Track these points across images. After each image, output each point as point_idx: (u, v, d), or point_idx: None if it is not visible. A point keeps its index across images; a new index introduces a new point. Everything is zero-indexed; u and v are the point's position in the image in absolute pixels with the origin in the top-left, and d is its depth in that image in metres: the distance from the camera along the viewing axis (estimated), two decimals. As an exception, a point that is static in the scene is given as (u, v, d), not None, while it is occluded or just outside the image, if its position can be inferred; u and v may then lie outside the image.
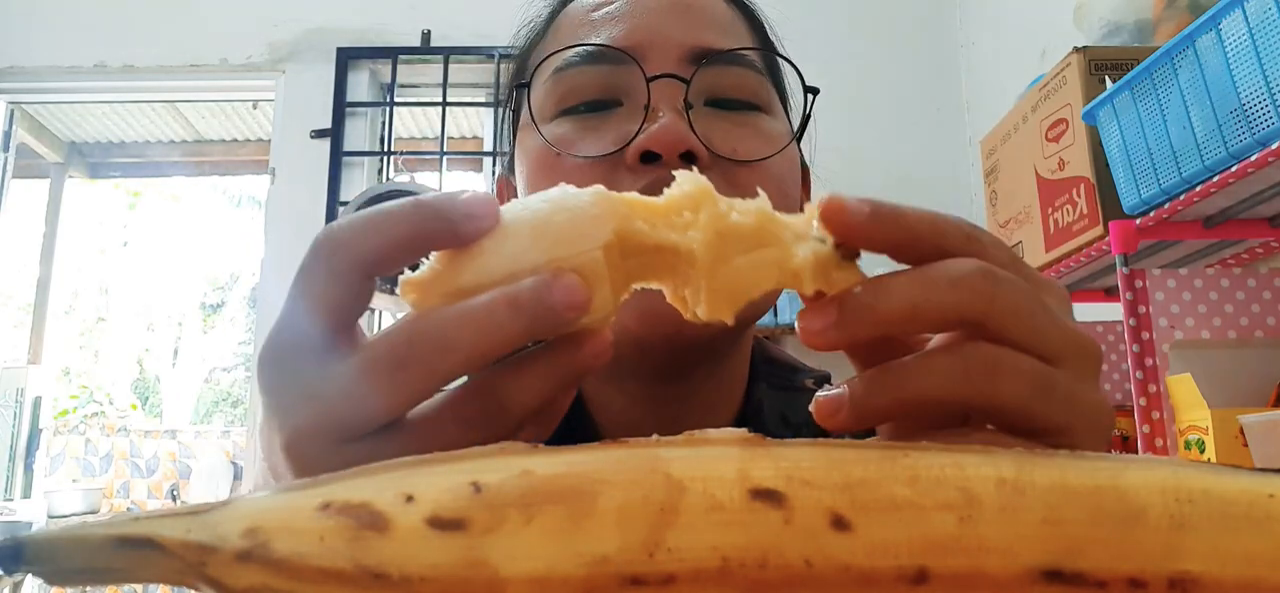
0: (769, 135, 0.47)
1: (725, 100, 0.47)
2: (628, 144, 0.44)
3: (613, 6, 0.48)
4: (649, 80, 0.44)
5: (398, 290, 0.26)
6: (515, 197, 0.51)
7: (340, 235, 0.26)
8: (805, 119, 0.51)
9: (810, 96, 0.50)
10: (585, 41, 0.47)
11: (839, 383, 0.26)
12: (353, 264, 0.25)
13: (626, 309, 0.40)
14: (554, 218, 0.25)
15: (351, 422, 0.25)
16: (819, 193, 0.26)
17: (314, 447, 0.25)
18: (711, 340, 0.45)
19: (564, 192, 0.26)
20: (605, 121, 0.46)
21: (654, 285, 0.28)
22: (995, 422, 0.25)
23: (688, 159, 0.43)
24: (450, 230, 0.25)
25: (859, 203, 0.25)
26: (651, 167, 0.43)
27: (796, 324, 0.25)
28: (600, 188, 0.26)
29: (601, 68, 0.46)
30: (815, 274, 0.25)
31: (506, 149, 0.57)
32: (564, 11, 0.52)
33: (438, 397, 0.26)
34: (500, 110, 0.57)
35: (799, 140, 0.51)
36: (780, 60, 0.52)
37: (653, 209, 0.26)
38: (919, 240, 0.25)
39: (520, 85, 0.50)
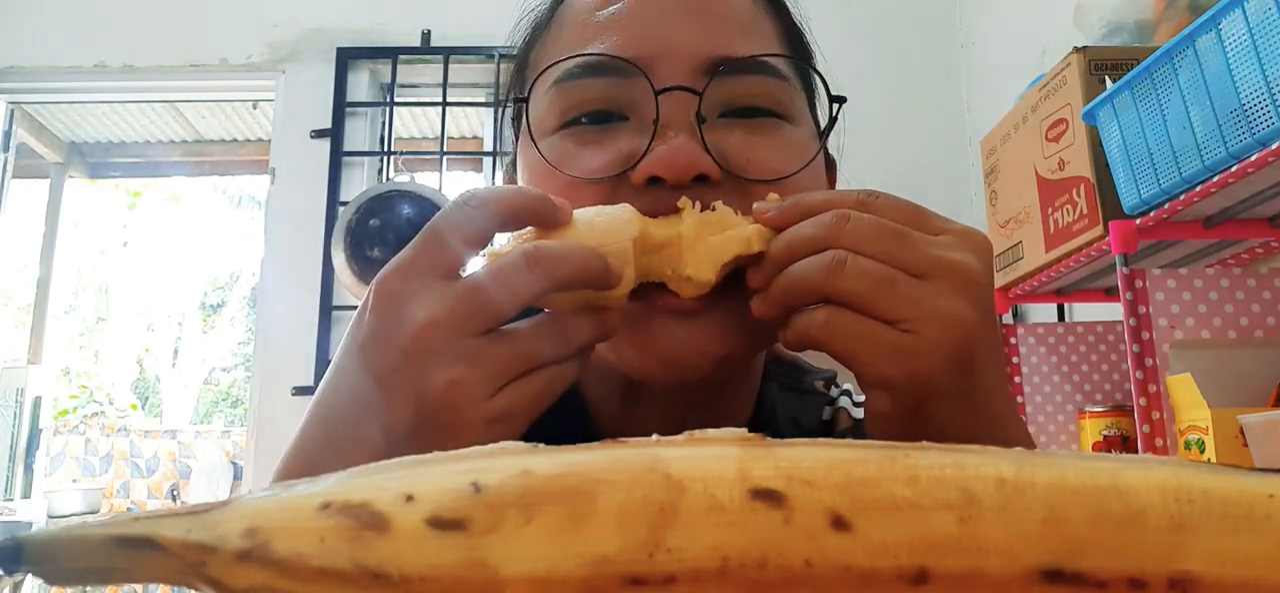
0: (790, 147, 0.43)
1: (744, 108, 0.43)
2: (633, 166, 0.40)
3: (619, 5, 0.43)
4: (657, 93, 0.40)
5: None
6: None
7: (483, 194, 0.36)
8: (830, 125, 0.47)
9: (836, 105, 0.46)
10: (588, 47, 0.43)
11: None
12: (492, 214, 0.36)
13: (628, 352, 0.43)
14: (597, 221, 0.38)
15: (477, 312, 0.33)
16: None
17: (438, 336, 0.33)
18: (723, 373, 0.43)
19: (600, 210, 0.39)
20: (610, 136, 0.42)
21: (661, 277, 0.39)
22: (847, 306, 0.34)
23: (700, 180, 0.40)
24: (551, 215, 0.37)
25: (767, 206, 0.38)
26: (657, 189, 0.40)
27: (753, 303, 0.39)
28: (628, 206, 0.39)
29: (607, 80, 0.42)
30: (759, 241, 0.38)
31: (508, 150, 0.56)
32: (564, 5, 0.47)
33: (534, 319, 0.36)
34: (500, 109, 0.57)
35: (824, 143, 0.48)
36: (807, 68, 0.48)
37: (661, 223, 0.39)
38: (815, 213, 0.37)
39: (519, 100, 0.47)
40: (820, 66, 0.49)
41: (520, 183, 0.48)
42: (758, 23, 0.45)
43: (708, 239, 0.38)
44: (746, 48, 0.43)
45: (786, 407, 0.54)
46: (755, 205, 0.38)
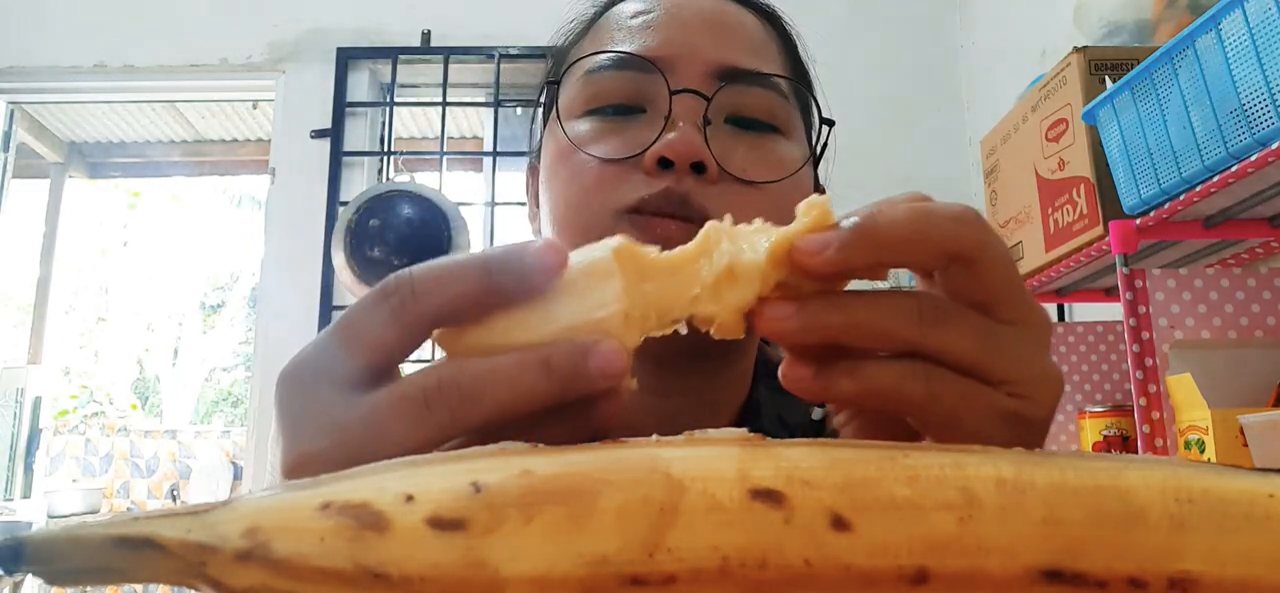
0: (782, 160, 0.48)
1: (746, 119, 0.48)
2: (644, 150, 0.45)
3: (650, 16, 0.49)
4: (672, 93, 0.46)
5: (434, 337, 0.27)
6: (540, 192, 0.53)
7: (418, 285, 0.26)
8: (819, 149, 0.52)
9: (826, 128, 0.52)
10: (618, 46, 0.49)
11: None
12: (422, 316, 0.25)
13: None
14: (576, 279, 0.26)
15: (367, 455, 0.24)
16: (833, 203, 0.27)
17: (323, 473, 0.24)
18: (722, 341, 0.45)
19: (582, 252, 0.26)
20: (628, 126, 0.47)
21: (670, 319, 0.27)
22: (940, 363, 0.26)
23: (698, 170, 0.45)
24: (521, 288, 0.25)
25: (818, 244, 0.25)
26: (665, 173, 0.45)
27: (760, 313, 0.26)
28: (618, 241, 0.26)
29: (630, 74, 0.48)
30: (774, 270, 0.26)
31: (506, 149, 0.58)
32: (607, 14, 0.53)
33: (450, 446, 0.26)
34: (536, 103, 0.58)
35: (815, 167, 0.53)
36: (803, 84, 0.53)
37: (665, 266, 0.27)
38: (892, 256, 0.26)
39: (551, 82, 0.52)
40: (819, 67, 0.55)
41: (543, 164, 0.52)
42: (767, 47, 0.51)
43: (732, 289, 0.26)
44: (754, 64, 0.49)
45: (773, 405, 0.55)
46: (801, 244, 0.25)
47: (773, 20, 0.54)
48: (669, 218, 0.44)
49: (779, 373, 0.27)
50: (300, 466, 0.25)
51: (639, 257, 0.26)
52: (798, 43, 0.56)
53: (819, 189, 0.56)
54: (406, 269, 0.26)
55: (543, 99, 0.57)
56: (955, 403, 0.26)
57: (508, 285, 0.25)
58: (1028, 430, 0.26)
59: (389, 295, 0.26)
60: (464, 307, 0.26)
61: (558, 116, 0.49)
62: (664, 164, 0.45)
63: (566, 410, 0.25)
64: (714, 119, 0.47)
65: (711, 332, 0.26)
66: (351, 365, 0.26)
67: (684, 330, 0.27)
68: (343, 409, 0.25)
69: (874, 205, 0.26)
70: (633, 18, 0.50)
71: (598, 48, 0.50)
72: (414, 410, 0.25)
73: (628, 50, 0.48)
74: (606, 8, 0.54)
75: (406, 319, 0.25)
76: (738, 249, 0.26)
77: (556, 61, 0.56)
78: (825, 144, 0.53)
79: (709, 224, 0.27)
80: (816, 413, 0.58)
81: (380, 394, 0.25)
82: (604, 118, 0.48)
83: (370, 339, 0.26)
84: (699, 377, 0.49)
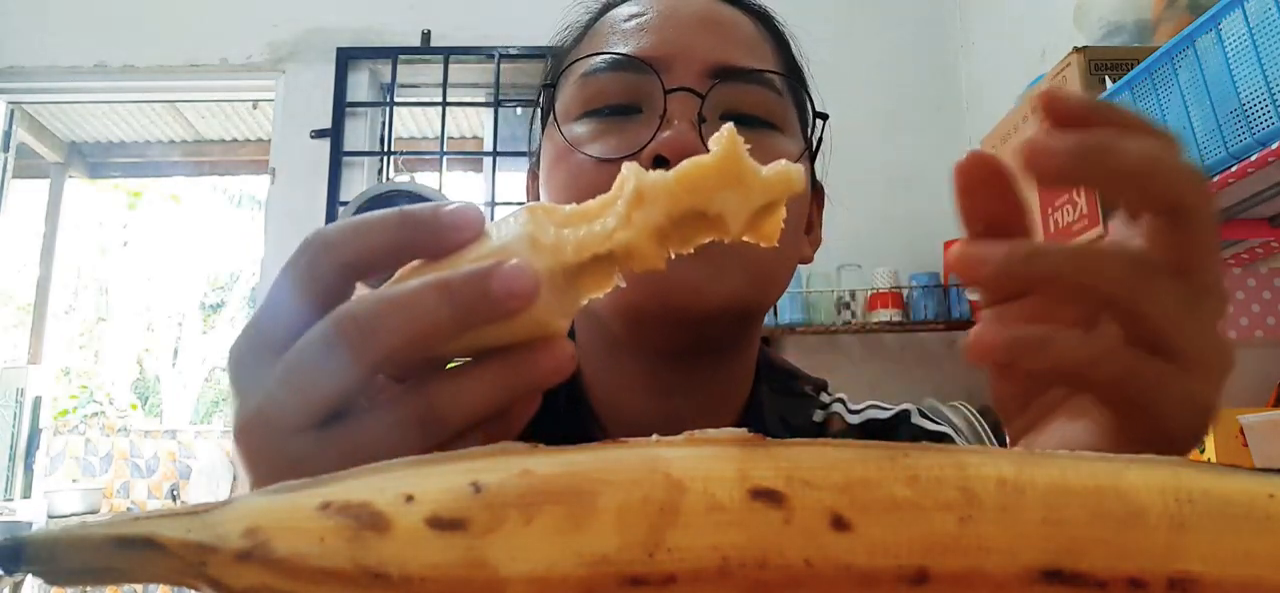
0: (777, 155, 0.47)
1: (742, 116, 0.48)
2: (640, 149, 0.46)
3: (645, 17, 0.50)
4: (666, 92, 0.46)
5: None
6: (540, 194, 0.53)
7: (329, 237, 0.26)
8: (815, 143, 0.53)
9: (820, 121, 0.52)
10: (614, 47, 0.49)
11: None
12: (335, 266, 0.26)
13: (634, 285, 0.40)
14: (501, 227, 0.26)
15: (287, 413, 0.25)
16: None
17: (256, 438, 0.25)
18: (713, 321, 0.46)
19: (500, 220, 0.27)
20: (624, 126, 0.48)
21: (609, 284, 0.28)
22: (1135, 333, 0.25)
23: None
24: (434, 241, 0.26)
25: (1051, 141, 0.24)
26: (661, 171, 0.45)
27: (961, 251, 0.25)
28: (532, 203, 0.27)
29: (626, 75, 0.48)
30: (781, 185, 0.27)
31: (506, 149, 0.58)
32: (603, 18, 0.54)
33: (379, 404, 0.26)
34: (518, 106, 0.58)
35: (812, 162, 0.53)
36: (795, 78, 0.53)
37: (579, 213, 0.27)
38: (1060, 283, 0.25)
39: (547, 86, 0.53)
40: (819, 67, 0.55)
41: (542, 167, 0.52)
42: (760, 45, 0.52)
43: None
44: (748, 62, 0.49)
45: (775, 406, 0.55)
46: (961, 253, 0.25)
47: (765, 20, 0.55)
48: None
49: (966, 343, 0.25)
50: (241, 433, 0.25)
51: (553, 211, 0.27)
52: (791, 41, 0.56)
53: (815, 183, 0.56)
54: (322, 228, 0.27)
55: (541, 103, 0.57)
56: (1150, 386, 0.25)
57: (422, 241, 0.26)
58: (1207, 418, 0.26)
59: (305, 250, 0.26)
60: (379, 257, 0.26)
61: (555, 119, 0.50)
62: (659, 163, 0.45)
63: (503, 358, 0.26)
64: (709, 117, 0.47)
65: (633, 266, 0.26)
66: (282, 326, 0.26)
67: (621, 283, 0.27)
68: (268, 371, 0.25)
69: (1113, 132, 0.25)
70: (627, 20, 0.50)
71: (593, 50, 0.51)
72: (315, 359, 0.24)
73: (623, 52, 0.48)
74: (603, 11, 0.55)
75: (321, 269, 0.26)
76: (645, 178, 0.26)
77: (554, 65, 0.57)
78: (820, 138, 0.53)
79: (620, 172, 0.27)
80: (818, 416, 0.58)
81: (288, 351, 0.25)
82: (601, 118, 0.48)
83: (294, 296, 0.26)
84: (699, 376, 0.50)
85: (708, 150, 0.42)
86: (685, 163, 0.26)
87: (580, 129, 0.49)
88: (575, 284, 0.27)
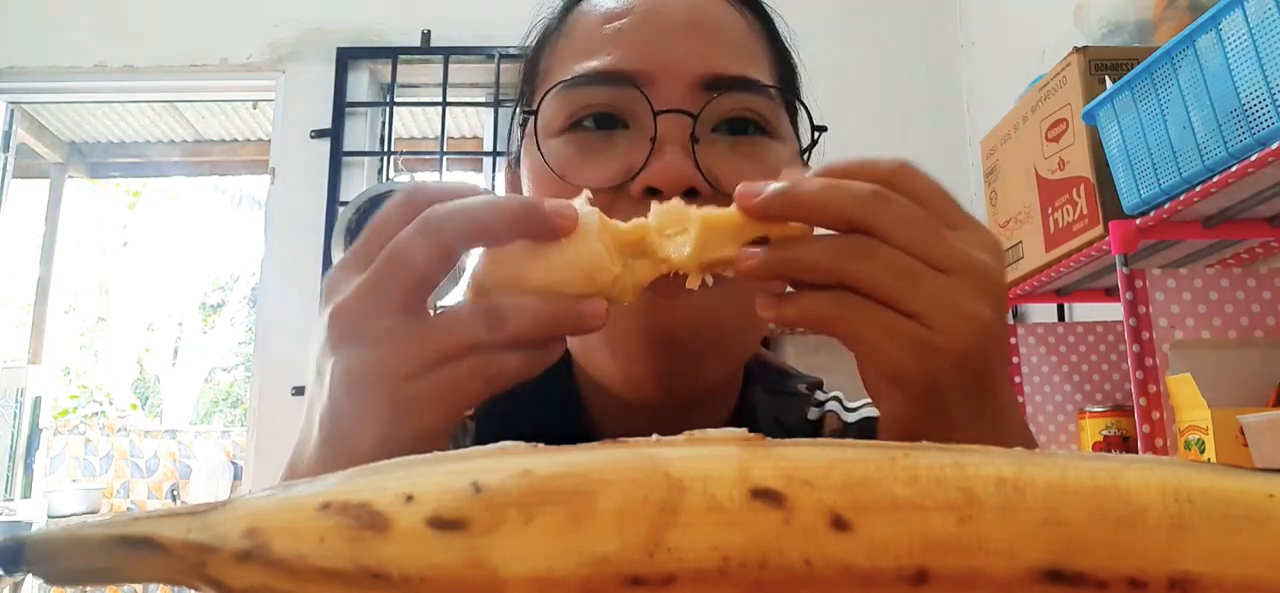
0: (773, 165, 0.46)
1: (735, 121, 0.46)
2: (633, 178, 0.44)
3: (625, 21, 0.47)
4: (656, 113, 0.44)
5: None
6: (521, 188, 0.51)
7: (440, 217, 0.32)
8: (810, 146, 0.51)
9: (816, 133, 0.50)
10: (594, 58, 0.46)
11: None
12: (452, 244, 0.32)
13: (616, 359, 0.45)
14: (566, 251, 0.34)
15: (384, 292, 0.32)
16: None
17: (350, 317, 0.32)
18: (705, 377, 0.46)
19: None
20: (611, 144, 0.45)
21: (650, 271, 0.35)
22: (865, 291, 0.32)
23: (690, 194, 0.43)
24: (546, 228, 0.33)
25: (756, 193, 0.33)
26: (654, 199, 0.44)
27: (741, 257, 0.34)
28: (596, 213, 0.34)
29: (610, 90, 0.45)
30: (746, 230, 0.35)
31: (513, 149, 0.57)
32: (578, 9, 0.50)
33: (458, 304, 0.33)
34: (512, 111, 0.56)
35: (806, 165, 0.51)
36: (789, 78, 0.52)
37: (633, 239, 0.35)
38: (824, 209, 0.33)
39: (525, 107, 0.51)
40: (819, 67, 0.54)
41: (524, 182, 0.50)
42: (750, 45, 0.49)
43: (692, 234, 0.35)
44: (739, 68, 0.47)
45: (768, 407, 0.55)
46: (740, 189, 0.34)
47: (754, 8, 0.51)
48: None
49: (756, 306, 0.35)
50: (341, 310, 0.32)
51: (611, 227, 0.35)
52: (777, 21, 0.53)
53: None
54: (431, 198, 0.33)
55: (518, 109, 0.54)
56: (870, 329, 0.32)
57: (532, 230, 0.33)
58: (939, 359, 0.32)
59: (430, 217, 0.32)
60: (487, 241, 0.33)
61: (537, 144, 0.47)
62: (652, 193, 0.43)
63: (553, 297, 0.33)
64: (702, 135, 0.44)
65: (685, 277, 0.35)
66: (410, 288, 0.32)
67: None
68: (405, 331, 0.31)
69: (809, 172, 0.34)
70: (608, 23, 0.47)
71: (573, 58, 0.47)
72: (408, 244, 0.32)
73: (606, 66, 0.45)
74: (575, 4, 0.51)
75: (438, 246, 0.32)
76: (711, 216, 0.35)
77: (527, 73, 0.54)
78: (814, 143, 0.51)
79: (667, 207, 0.35)
80: (813, 414, 0.58)
81: (438, 320, 0.32)
82: (584, 132, 0.46)
83: (428, 255, 0.32)
84: (687, 409, 0.48)
85: (703, 178, 0.45)
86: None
87: (563, 148, 0.46)
88: (627, 262, 0.35)
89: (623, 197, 0.44)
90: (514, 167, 0.55)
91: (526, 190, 0.49)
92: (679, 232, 0.35)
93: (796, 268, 0.33)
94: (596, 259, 0.33)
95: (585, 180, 0.44)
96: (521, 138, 0.52)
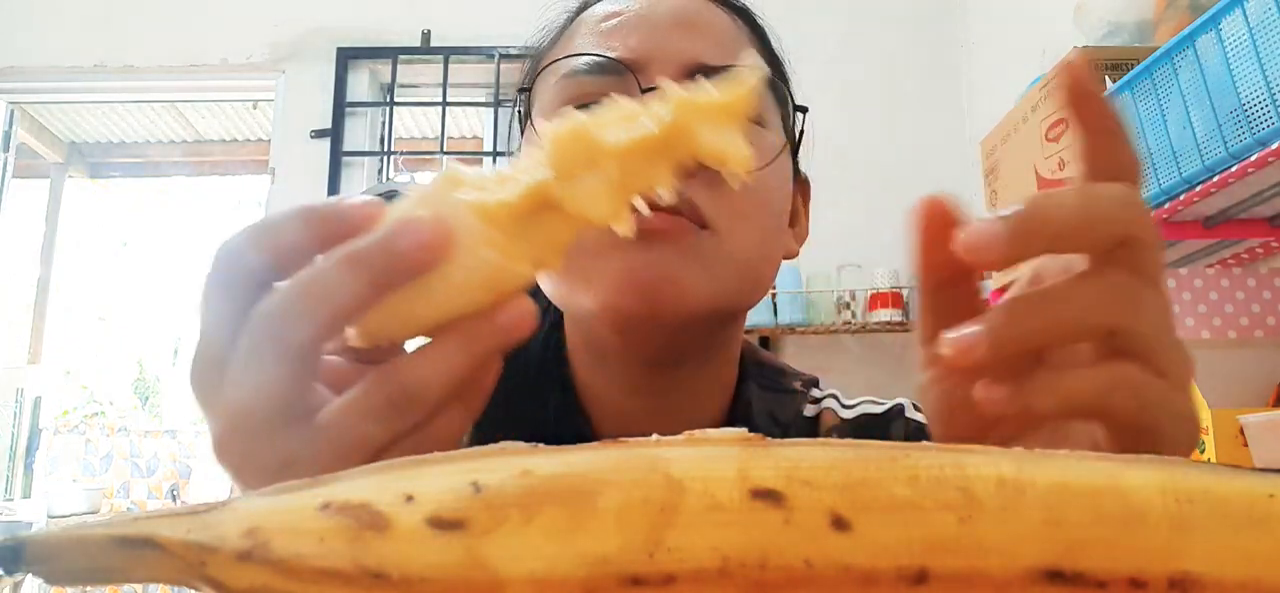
0: (758, 149, 0.48)
1: None
2: None
3: (621, 18, 0.50)
4: (643, 91, 0.46)
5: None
6: None
7: (233, 246, 0.26)
8: (796, 137, 0.53)
9: (800, 114, 0.52)
10: (591, 50, 0.49)
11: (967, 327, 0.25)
12: (247, 274, 0.26)
13: (611, 285, 0.43)
14: (418, 196, 0.27)
15: (254, 415, 0.25)
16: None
17: (237, 448, 0.26)
18: (699, 322, 0.46)
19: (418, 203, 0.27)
20: None
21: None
22: (1129, 350, 0.25)
23: None
24: (343, 230, 0.26)
25: (986, 235, 0.24)
26: None
27: (947, 346, 0.25)
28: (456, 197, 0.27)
29: (603, 78, 0.48)
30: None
31: (507, 149, 0.59)
32: (578, 18, 0.54)
33: (348, 393, 0.26)
34: (511, 108, 0.58)
35: (794, 155, 0.53)
36: (776, 76, 0.54)
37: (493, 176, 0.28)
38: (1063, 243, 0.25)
39: (524, 90, 0.53)
40: (820, 67, 0.54)
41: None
42: (737, 42, 0.52)
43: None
44: (724, 60, 0.48)
45: (764, 403, 0.55)
46: (965, 240, 0.25)
47: (743, 14, 0.54)
48: (654, 211, 0.44)
49: (976, 396, 0.25)
50: (216, 447, 0.26)
51: (495, 209, 0.27)
52: (770, 36, 0.56)
53: (798, 175, 0.56)
54: (226, 239, 0.26)
55: (519, 105, 0.57)
56: (1155, 405, 0.25)
57: (331, 231, 0.26)
58: (1194, 427, 0.26)
59: (216, 266, 0.26)
60: (291, 258, 0.26)
61: (532, 125, 0.50)
62: None
63: (461, 327, 0.26)
64: None
65: (589, 216, 0.27)
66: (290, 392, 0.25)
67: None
68: (297, 444, 0.25)
69: (1036, 194, 0.25)
70: (604, 21, 0.51)
71: (571, 45, 0.51)
72: (250, 357, 0.25)
73: (598, 53, 0.48)
74: (578, 12, 0.55)
75: (238, 283, 0.26)
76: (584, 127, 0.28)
77: (531, 67, 0.57)
78: (801, 131, 0.54)
79: (565, 132, 0.28)
80: (809, 410, 0.58)
81: (330, 416, 0.25)
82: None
83: (223, 316, 0.26)
84: (683, 376, 0.50)
85: None
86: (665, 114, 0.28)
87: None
88: (527, 231, 0.27)
89: None
90: None
91: None
92: (586, 166, 0.27)
93: (1054, 333, 0.25)
94: (489, 268, 0.26)
95: None
96: (522, 132, 0.55)
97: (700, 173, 0.45)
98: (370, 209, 0.26)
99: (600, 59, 0.48)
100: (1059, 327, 0.25)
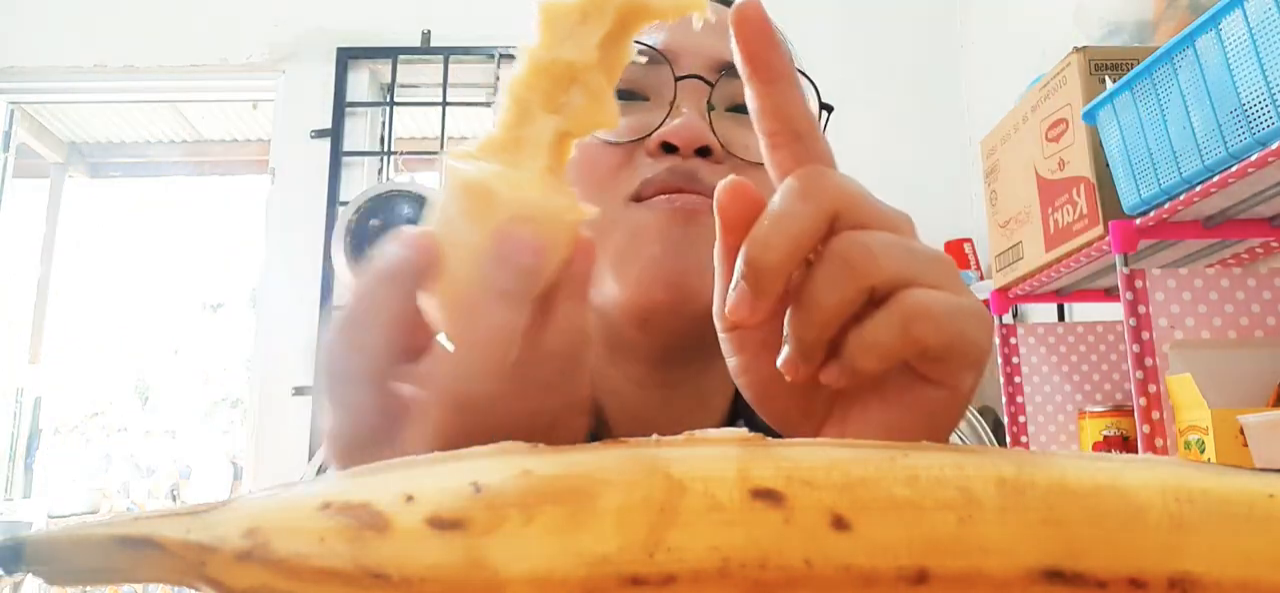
0: None
1: (746, 108, 0.49)
2: (650, 134, 0.47)
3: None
4: (677, 79, 0.47)
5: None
6: None
7: (339, 345, 0.26)
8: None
9: (825, 113, 0.53)
10: None
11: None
12: (367, 362, 0.26)
13: (641, 277, 0.44)
14: (447, 218, 0.27)
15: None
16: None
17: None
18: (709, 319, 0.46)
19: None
20: (632, 112, 0.48)
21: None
22: (892, 286, 0.26)
23: (703, 153, 0.46)
24: (419, 283, 0.27)
25: (736, 296, 0.26)
26: (669, 156, 0.46)
27: (725, 311, 0.27)
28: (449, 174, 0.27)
29: (634, 65, 0.49)
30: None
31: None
32: None
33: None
34: None
35: None
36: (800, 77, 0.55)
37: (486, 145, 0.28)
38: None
39: None
40: (820, 67, 0.55)
41: None
42: None
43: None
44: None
45: None
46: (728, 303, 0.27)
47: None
48: (676, 192, 0.45)
49: (781, 368, 0.27)
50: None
51: (463, 160, 0.27)
52: (790, 49, 0.57)
53: None
54: (330, 332, 0.27)
55: None
56: (952, 316, 0.25)
57: (406, 291, 0.27)
58: (985, 315, 0.27)
59: (328, 363, 0.27)
60: (397, 335, 0.26)
61: None
62: (667, 148, 0.46)
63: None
64: (717, 106, 0.48)
65: (584, 123, 0.28)
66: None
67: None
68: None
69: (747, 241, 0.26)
70: None
71: None
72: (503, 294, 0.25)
73: (637, 41, 0.49)
74: None
75: (358, 371, 0.26)
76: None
77: None
78: (824, 130, 0.54)
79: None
80: None
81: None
82: None
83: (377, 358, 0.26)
84: (692, 372, 0.50)
85: (716, 137, 0.45)
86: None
87: None
88: (554, 173, 0.28)
89: (639, 152, 0.47)
90: None
91: None
92: (568, 90, 0.28)
93: (834, 324, 0.26)
94: (534, 207, 0.26)
95: (603, 136, 0.47)
96: None
97: (728, 159, 0.47)
98: (424, 245, 0.26)
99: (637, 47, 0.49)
100: (797, 243, 0.26)
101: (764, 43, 0.29)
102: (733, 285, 0.26)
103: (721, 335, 0.31)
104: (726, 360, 0.31)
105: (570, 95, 0.28)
